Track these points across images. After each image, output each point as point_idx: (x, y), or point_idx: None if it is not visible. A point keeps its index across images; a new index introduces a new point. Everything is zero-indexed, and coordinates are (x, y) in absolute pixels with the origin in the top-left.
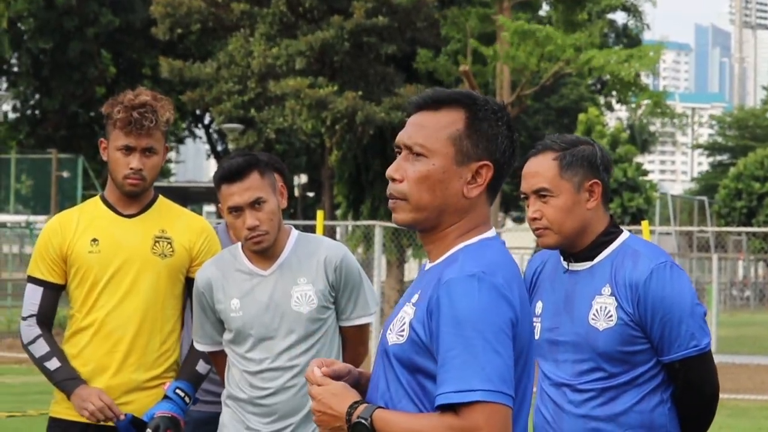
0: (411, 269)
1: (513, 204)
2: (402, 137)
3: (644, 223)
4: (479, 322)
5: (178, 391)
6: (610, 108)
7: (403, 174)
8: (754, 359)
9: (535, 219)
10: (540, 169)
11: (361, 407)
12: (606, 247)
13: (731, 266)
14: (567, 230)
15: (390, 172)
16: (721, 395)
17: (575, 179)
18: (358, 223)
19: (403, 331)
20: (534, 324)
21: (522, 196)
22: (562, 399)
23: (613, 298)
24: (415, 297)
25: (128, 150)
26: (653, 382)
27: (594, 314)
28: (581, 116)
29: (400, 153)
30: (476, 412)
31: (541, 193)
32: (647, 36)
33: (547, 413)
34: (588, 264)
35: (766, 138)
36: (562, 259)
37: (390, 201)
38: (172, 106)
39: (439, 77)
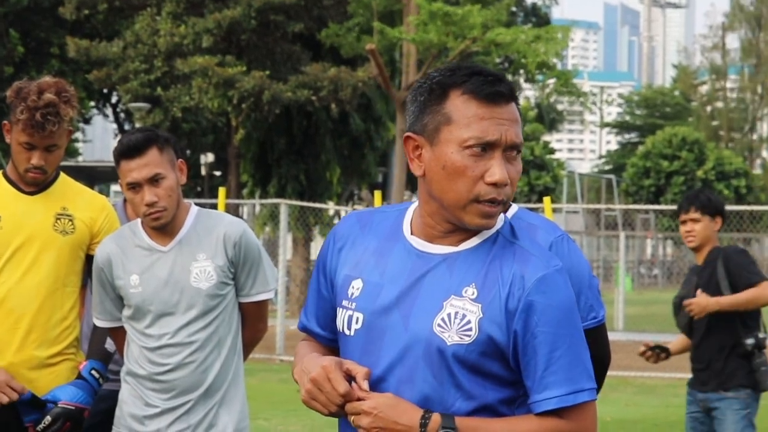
0: (317, 247)
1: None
2: (509, 136)
3: (546, 199)
4: (574, 317)
5: (93, 372)
6: (517, 86)
7: (506, 177)
8: (662, 337)
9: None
10: None
11: (436, 417)
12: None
13: (639, 244)
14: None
15: (502, 178)
16: (628, 373)
17: None
18: (264, 201)
19: (469, 330)
20: None
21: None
22: None
23: None
24: (471, 291)
25: (30, 146)
26: None
27: None
28: None
29: (485, 151)
30: (586, 411)
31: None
32: (556, 14)
33: None
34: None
35: (675, 117)
36: None
37: (492, 207)
38: (76, 98)
39: (345, 55)
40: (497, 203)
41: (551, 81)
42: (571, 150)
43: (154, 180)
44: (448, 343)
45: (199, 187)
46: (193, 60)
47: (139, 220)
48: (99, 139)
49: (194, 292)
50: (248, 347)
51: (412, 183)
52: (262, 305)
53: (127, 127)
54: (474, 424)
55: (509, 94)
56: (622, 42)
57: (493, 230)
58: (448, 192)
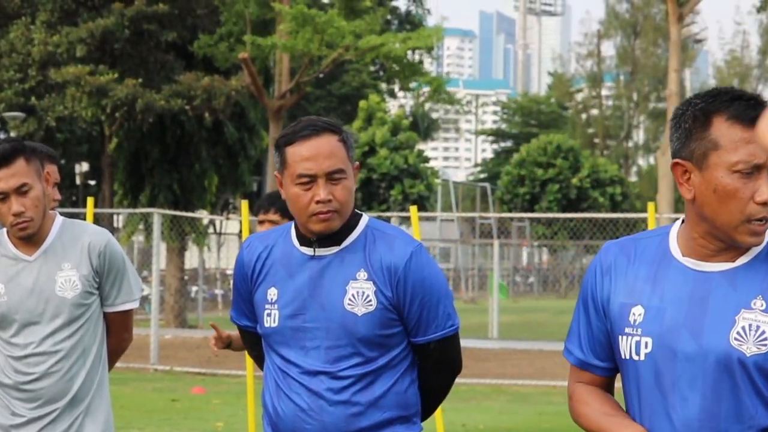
0: (192, 257)
1: None
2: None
3: (413, 209)
4: None
5: None
6: (392, 95)
7: None
8: (536, 345)
9: (327, 201)
10: (333, 149)
11: None
12: (352, 231)
13: (515, 252)
14: (347, 213)
15: None
16: (502, 381)
17: (353, 162)
18: (137, 210)
19: (765, 340)
20: (268, 311)
21: (305, 179)
22: (319, 387)
23: (371, 282)
24: (760, 303)
25: None
26: (405, 364)
27: (350, 299)
28: (362, 103)
29: (752, 173)
30: None
31: (335, 176)
32: (431, 22)
33: (302, 402)
34: (335, 248)
35: (551, 124)
36: (298, 243)
37: (762, 226)
38: None
39: (218, 64)
40: (766, 221)
41: (426, 89)
42: (446, 158)
43: (21, 190)
44: (748, 355)
45: (74, 197)
46: (66, 69)
47: (4, 230)
48: None
49: (59, 302)
50: (113, 357)
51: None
52: (126, 315)
53: (2, 136)
54: None
55: (754, 117)
56: (498, 50)
57: (763, 244)
58: (721, 214)
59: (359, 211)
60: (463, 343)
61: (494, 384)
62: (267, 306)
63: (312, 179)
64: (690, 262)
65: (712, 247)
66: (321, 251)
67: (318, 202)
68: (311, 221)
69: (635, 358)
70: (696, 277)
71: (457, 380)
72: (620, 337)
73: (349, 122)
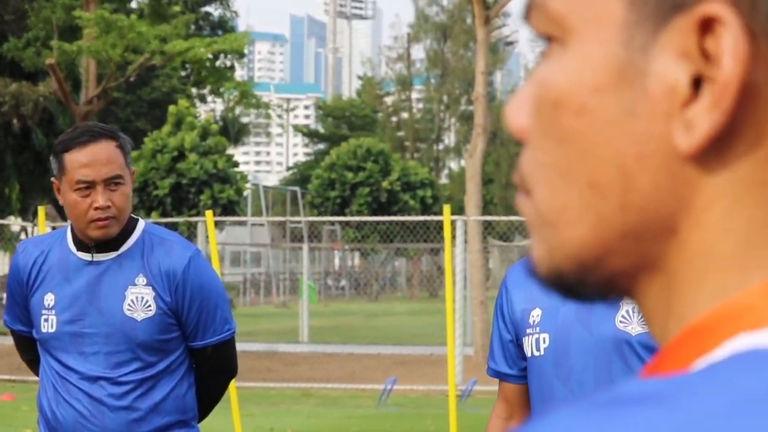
0: (4, 263)
1: None
2: None
3: (208, 213)
4: None
5: None
6: (203, 100)
7: None
8: (346, 348)
9: (106, 208)
10: (111, 156)
11: None
12: (129, 236)
13: (327, 256)
14: (125, 219)
15: None
16: (311, 384)
17: (130, 168)
18: None
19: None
20: (45, 317)
21: (83, 186)
22: (100, 392)
23: (150, 287)
24: None
25: None
26: (182, 368)
27: (130, 305)
28: (171, 108)
29: None
30: None
31: (114, 181)
32: (243, 27)
33: (83, 408)
34: (113, 254)
35: (362, 128)
36: (75, 249)
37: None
38: None
39: (26, 69)
40: None
41: (235, 93)
42: (258, 163)
43: None
44: (633, 334)
45: None
46: None
47: None
48: None
49: None
50: None
51: None
52: None
53: None
54: None
55: None
56: (309, 54)
57: None
58: None
59: (135, 216)
60: (274, 347)
61: (304, 388)
62: (44, 311)
63: (90, 185)
64: None
65: None
66: (99, 256)
67: (97, 208)
68: (90, 228)
69: (536, 354)
70: None
71: (267, 384)
72: (524, 338)
73: (159, 127)
